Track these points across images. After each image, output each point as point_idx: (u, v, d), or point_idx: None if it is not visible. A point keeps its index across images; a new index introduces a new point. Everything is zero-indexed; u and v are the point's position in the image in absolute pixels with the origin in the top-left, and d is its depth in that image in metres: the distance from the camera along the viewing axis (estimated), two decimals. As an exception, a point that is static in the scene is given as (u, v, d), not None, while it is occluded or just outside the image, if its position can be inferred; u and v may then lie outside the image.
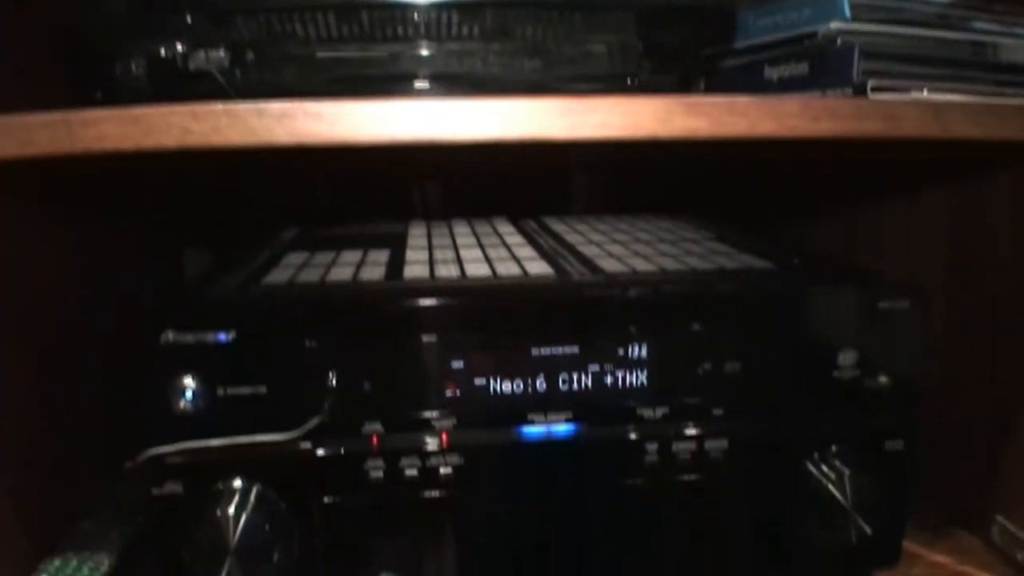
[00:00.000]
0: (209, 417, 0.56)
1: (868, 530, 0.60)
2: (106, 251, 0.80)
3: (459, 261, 0.71)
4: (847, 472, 0.60)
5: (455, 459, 0.58)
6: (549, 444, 0.59)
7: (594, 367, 0.59)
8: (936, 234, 0.74)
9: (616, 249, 0.76)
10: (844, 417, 0.61)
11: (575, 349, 0.58)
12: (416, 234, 0.87)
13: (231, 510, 0.55)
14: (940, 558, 0.69)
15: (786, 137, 0.51)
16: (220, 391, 0.56)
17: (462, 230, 0.90)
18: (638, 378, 0.59)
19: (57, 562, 0.62)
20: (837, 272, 0.70)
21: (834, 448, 0.61)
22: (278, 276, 0.67)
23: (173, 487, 0.57)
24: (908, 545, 0.69)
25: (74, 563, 0.62)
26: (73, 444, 0.70)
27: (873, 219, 0.84)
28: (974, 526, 0.71)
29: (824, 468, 0.61)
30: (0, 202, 0.62)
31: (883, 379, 0.61)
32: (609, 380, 0.59)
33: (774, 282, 0.64)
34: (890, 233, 0.81)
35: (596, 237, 0.83)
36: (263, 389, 0.56)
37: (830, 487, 0.60)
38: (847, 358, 0.61)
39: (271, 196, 1.07)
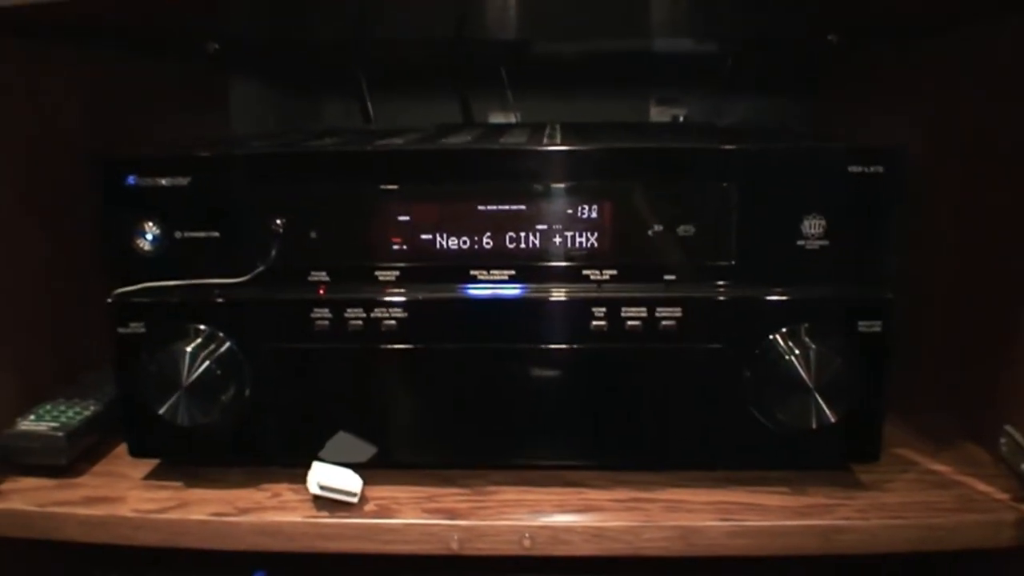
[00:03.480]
0: (168, 259, 0.59)
1: (831, 416, 0.56)
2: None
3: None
4: (813, 349, 0.56)
5: (399, 311, 0.58)
6: (492, 301, 0.58)
7: (541, 225, 0.58)
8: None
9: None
10: (810, 291, 0.57)
11: (522, 206, 0.58)
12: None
13: (186, 349, 0.58)
14: (938, 466, 0.63)
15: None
16: (177, 234, 0.59)
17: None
18: (587, 239, 0.58)
19: (48, 406, 0.66)
20: (803, 132, 0.66)
21: (799, 325, 0.57)
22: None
23: (136, 326, 0.59)
24: (907, 451, 0.65)
25: (62, 406, 0.66)
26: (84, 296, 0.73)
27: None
28: (986, 440, 0.65)
29: (788, 343, 0.57)
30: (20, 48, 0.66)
31: (856, 251, 0.57)
32: (556, 240, 0.58)
33: (733, 139, 0.61)
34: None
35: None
36: (216, 234, 0.59)
37: (794, 364, 0.56)
38: (813, 226, 0.57)
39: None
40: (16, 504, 0.60)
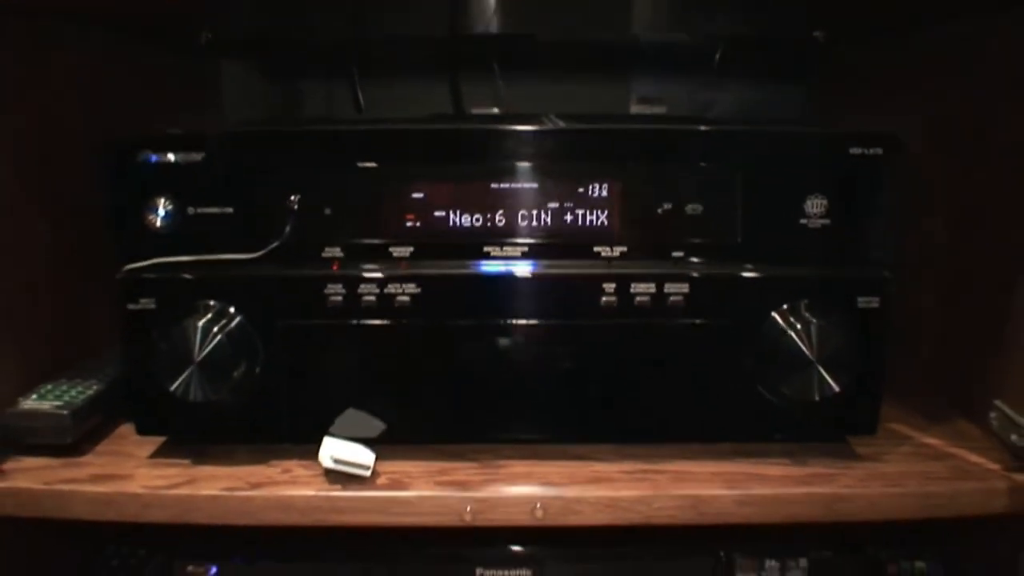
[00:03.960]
0: (180, 236, 0.59)
1: (835, 387, 0.58)
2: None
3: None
4: (814, 324, 0.58)
5: (412, 287, 0.59)
6: (505, 278, 0.59)
7: (553, 204, 0.59)
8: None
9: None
10: (812, 268, 0.59)
11: (534, 185, 0.59)
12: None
13: (198, 324, 0.58)
14: (931, 440, 0.66)
15: None
16: (190, 211, 0.59)
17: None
18: (597, 217, 0.59)
19: (50, 385, 0.66)
20: (807, 115, 0.68)
21: (801, 301, 0.59)
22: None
23: (146, 303, 0.59)
24: (900, 427, 0.67)
25: (64, 386, 0.65)
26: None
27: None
28: (976, 416, 0.67)
29: (791, 319, 0.59)
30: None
31: (855, 231, 0.59)
32: (567, 218, 0.59)
33: (739, 122, 0.62)
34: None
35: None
36: (229, 210, 0.59)
37: (795, 338, 0.58)
38: (815, 206, 0.59)
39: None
40: (20, 483, 0.60)
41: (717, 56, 0.96)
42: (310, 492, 0.58)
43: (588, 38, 1.03)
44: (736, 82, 1.02)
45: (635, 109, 1.12)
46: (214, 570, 0.69)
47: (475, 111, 1.05)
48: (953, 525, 0.61)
